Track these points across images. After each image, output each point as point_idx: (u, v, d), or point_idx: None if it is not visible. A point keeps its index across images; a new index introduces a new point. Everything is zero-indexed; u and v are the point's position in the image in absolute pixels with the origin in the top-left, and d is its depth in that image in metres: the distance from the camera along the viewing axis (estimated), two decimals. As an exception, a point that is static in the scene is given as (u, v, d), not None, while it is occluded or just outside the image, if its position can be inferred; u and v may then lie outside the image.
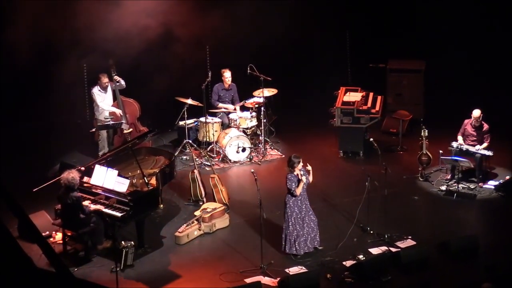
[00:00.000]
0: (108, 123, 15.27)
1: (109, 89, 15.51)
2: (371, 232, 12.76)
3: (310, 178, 12.03)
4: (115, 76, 15.40)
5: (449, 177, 14.69)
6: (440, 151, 14.64)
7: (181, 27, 17.28)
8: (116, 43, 16.38)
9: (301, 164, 11.87)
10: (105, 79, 15.33)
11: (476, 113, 14.53)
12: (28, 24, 15.79)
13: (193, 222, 13.02)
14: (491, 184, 14.50)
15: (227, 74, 16.43)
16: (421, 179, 14.87)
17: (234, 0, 17.84)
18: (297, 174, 11.87)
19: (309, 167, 12.08)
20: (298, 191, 11.86)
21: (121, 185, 12.31)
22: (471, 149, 14.44)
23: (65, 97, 16.85)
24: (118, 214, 12.10)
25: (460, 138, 14.66)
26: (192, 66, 18.26)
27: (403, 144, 16.36)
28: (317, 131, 17.25)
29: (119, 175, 12.45)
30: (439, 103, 17.90)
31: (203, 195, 13.98)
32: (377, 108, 16.14)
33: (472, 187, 14.41)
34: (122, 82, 15.48)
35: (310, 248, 12.12)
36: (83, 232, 11.97)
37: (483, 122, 14.58)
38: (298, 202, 11.97)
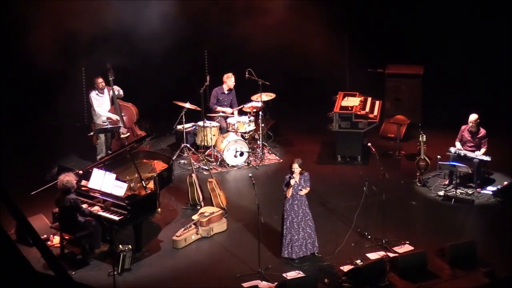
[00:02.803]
0: (106, 126, 15.26)
1: (106, 93, 15.50)
2: (369, 237, 12.75)
3: (303, 192, 11.99)
4: (115, 86, 15.39)
5: (447, 182, 14.69)
6: (438, 156, 14.63)
7: (180, 31, 17.34)
8: (115, 46, 16.46)
9: (296, 166, 11.83)
10: (99, 80, 15.35)
11: (473, 117, 14.54)
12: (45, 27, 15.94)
13: (190, 226, 13.01)
14: (489, 189, 14.49)
15: (232, 78, 16.37)
16: (419, 184, 14.86)
17: (231, 3, 17.89)
18: (289, 176, 11.86)
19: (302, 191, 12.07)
20: (288, 193, 11.85)
21: (119, 188, 12.31)
22: (470, 154, 14.44)
23: (67, 101, 16.94)
24: (116, 218, 12.10)
25: (458, 143, 14.66)
26: (190, 69, 18.30)
27: (401, 149, 16.36)
28: (315, 136, 17.25)
29: (117, 178, 12.45)
30: (437, 108, 17.90)
31: (201, 199, 13.98)
32: (375, 113, 16.15)
33: (470, 192, 14.40)
34: (121, 92, 15.50)
35: (305, 252, 12.10)
36: (81, 235, 11.96)
37: (480, 127, 14.59)
38: (295, 207, 11.95)
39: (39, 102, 17.19)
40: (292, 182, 11.81)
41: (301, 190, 11.90)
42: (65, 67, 16.94)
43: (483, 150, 14.46)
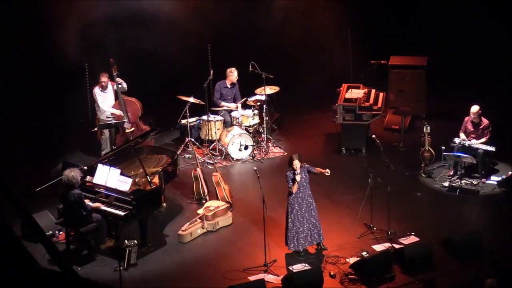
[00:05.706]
0: (110, 122, 15.25)
1: (110, 88, 15.46)
2: (374, 228, 12.76)
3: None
4: (117, 78, 15.35)
5: (451, 173, 14.68)
6: (443, 147, 14.62)
7: (183, 24, 17.34)
8: (118, 38, 16.52)
9: (297, 162, 11.85)
10: (104, 78, 15.29)
11: (474, 108, 14.53)
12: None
13: (196, 221, 13.03)
14: (494, 179, 14.48)
15: (235, 73, 16.33)
16: (423, 176, 14.86)
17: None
18: (294, 172, 11.86)
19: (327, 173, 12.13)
20: (294, 189, 11.87)
21: (124, 184, 12.31)
22: (468, 142, 14.43)
23: (71, 97, 16.98)
24: (121, 213, 12.11)
25: (462, 135, 14.64)
26: (193, 64, 18.29)
27: (406, 141, 16.33)
28: (320, 128, 17.24)
29: (121, 174, 12.46)
30: (441, 99, 17.88)
31: (206, 193, 13.99)
32: (379, 104, 16.12)
33: (475, 183, 14.41)
34: (124, 85, 15.41)
35: (311, 243, 12.12)
36: (86, 231, 11.98)
37: (482, 118, 14.57)
38: (298, 199, 11.96)
39: (43, 98, 17.22)
40: (298, 178, 11.81)
41: (305, 179, 11.95)
42: (72, 63, 17.00)
43: (483, 139, 14.44)
